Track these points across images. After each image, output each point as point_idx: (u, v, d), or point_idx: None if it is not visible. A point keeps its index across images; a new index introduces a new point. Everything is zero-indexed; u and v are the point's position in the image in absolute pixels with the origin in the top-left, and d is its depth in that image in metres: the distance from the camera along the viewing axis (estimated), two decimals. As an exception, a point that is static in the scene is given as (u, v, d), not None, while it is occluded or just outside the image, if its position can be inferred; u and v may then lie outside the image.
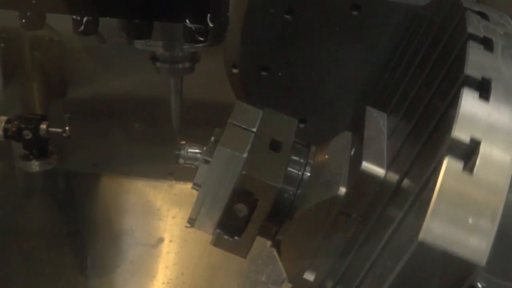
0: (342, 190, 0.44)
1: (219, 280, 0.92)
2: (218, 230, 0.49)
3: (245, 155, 0.48)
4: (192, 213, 0.49)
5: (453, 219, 0.31)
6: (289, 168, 0.50)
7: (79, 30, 0.62)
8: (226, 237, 0.48)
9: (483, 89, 0.36)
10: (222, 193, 0.48)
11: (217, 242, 0.49)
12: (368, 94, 0.67)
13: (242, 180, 0.46)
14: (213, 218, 0.48)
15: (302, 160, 0.51)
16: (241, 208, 0.46)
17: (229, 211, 0.47)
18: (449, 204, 0.31)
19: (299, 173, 0.50)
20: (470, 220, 0.31)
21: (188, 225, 0.49)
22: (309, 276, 0.46)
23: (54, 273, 0.91)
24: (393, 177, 0.40)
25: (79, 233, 0.99)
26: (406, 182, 0.39)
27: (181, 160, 0.52)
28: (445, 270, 0.31)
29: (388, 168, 0.42)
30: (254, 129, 0.50)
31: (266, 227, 0.49)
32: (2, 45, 1.05)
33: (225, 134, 0.49)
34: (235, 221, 0.47)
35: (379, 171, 0.42)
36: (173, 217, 1.00)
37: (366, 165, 0.42)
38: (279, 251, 0.52)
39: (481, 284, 0.35)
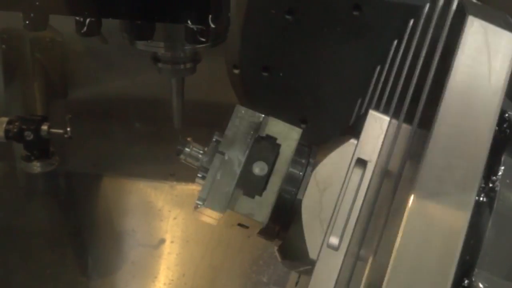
0: (354, 141, 0.46)
1: (220, 281, 0.92)
2: (237, 189, 0.47)
3: (263, 115, 0.49)
4: (201, 193, 0.47)
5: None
6: (290, 169, 0.50)
7: (82, 31, 0.62)
8: (246, 196, 0.46)
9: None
10: (238, 158, 0.47)
11: (235, 204, 0.47)
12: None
13: (266, 123, 0.48)
14: (227, 188, 0.47)
15: (303, 160, 0.51)
16: (261, 166, 0.46)
17: (247, 171, 0.47)
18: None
19: (301, 173, 0.50)
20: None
21: (199, 204, 0.47)
22: (334, 240, 0.45)
23: (55, 274, 0.91)
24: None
25: (80, 234, 0.99)
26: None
27: (182, 156, 0.51)
28: None
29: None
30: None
31: (268, 227, 0.49)
32: (4, 46, 1.05)
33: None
34: (255, 180, 0.47)
35: (385, 117, 0.46)
36: (175, 218, 1.00)
37: (373, 112, 0.47)
38: (281, 251, 0.52)
39: (482, 284, 0.35)
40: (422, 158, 0.36)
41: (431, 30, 0.50)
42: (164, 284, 0.91)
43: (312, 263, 0.44)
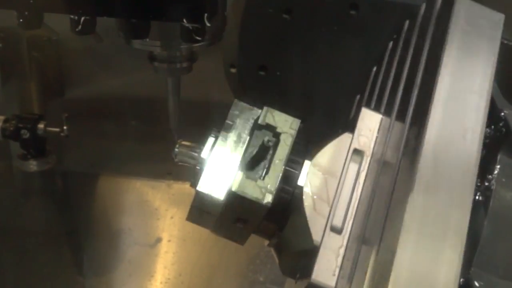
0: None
1: (217, 280, 0.92)
2: (239, 172, 0.47)
3: (260, 110, 0.49)
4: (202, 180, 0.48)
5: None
6: (287, 167, 0.50)
7: (77, 29, 0.62)
8: (248, 179, 0.46)
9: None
10: (238, 145, 0.48)
11: (237, 187, 0.46)
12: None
13: (266, 113, 0.49)
14: (229, 172, 0.47)
15: (300, 160, 0.51)
16: (262, 152, 0.47)
17: (249, 156, 0.47)
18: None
19: (297, 172, 0.50)
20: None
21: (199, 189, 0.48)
22: (337, 223, 0.45)
23: (52, 273, 0.91)
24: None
25: (77, 233, 0.99)
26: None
27: (178, 158, 0.52)
28: None
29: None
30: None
31: (264, 226, 0.49)
32: (0, 45, 1.05)
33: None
34: (256, 164, 0.47)
35: (377, 114, 0.46)
36: (171, 217, 1.00)
37: (366, 110, 0.47)
38: (276, 250, 0.52)
39: (478, 282, 0.35)
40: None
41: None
42: (161, 283, 0.91)
43: (316, 248, 0.44)
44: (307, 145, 0.53)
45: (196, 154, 0.51)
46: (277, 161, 0.47)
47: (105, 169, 1.08)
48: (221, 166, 0.48)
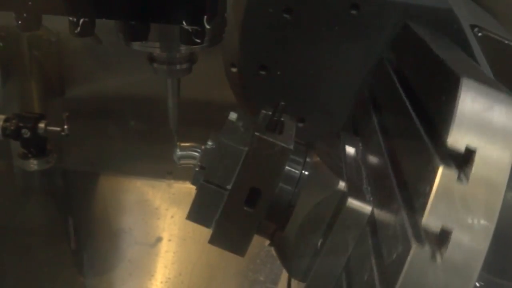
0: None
1: (217, 279, 0.92)
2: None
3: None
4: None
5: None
6: (287, 167, 0.50)
7: (76, 31, 0.62)
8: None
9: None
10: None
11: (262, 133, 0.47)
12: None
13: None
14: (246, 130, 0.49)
15: (300, 159, 0.51)
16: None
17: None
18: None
19: (298, 172, 0.50)
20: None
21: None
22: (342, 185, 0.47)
23: (52, 272, 0.91)
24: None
25: (77, 232, 0.99)
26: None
27: (181, 162, 0.52)
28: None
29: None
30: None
31: (265, 226, 0.49)
32: (1, 44, 1.05)
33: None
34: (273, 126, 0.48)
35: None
36: (172, 216, 1.00)
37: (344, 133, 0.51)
38: (278, 250, 0.52)
39: (479, 283, 0.35)
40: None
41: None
42: (161, 282, 0.91)
43: (340, 192, 0.45)
44: (307, 145, 0.53)
45: (196, 154, 0.51)
46: (287, 125, 0.49)
47: (105, 169, 1.08)
48: (236, 131, 0.49)
